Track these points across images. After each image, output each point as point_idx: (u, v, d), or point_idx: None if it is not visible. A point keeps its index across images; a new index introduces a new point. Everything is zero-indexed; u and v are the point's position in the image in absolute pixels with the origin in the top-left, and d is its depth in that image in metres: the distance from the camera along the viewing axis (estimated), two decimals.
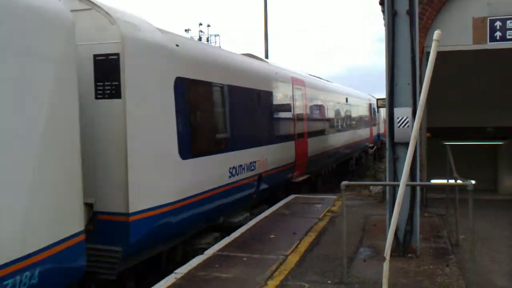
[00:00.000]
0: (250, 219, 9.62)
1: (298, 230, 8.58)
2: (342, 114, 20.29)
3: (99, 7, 6.38)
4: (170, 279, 6.21)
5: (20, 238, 4.47)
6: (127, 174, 6.22)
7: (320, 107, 16.53)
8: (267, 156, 10.99)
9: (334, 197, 12.20)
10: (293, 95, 13.39)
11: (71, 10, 5.51)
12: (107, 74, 6.33)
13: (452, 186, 8.17)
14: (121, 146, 6.27)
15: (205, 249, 7.64)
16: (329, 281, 6.02)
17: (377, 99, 23.69)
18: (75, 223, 5.32)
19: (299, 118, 13.68)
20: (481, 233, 7.75)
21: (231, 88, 9.46)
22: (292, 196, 12.41)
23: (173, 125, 7.32)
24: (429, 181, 10.29)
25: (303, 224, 9.14)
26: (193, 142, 7.94)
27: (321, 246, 7.65)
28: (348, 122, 21.26)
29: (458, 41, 9.71)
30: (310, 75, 17.48)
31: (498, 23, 9.53)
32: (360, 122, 24.71)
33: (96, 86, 6.36)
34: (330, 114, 18.04)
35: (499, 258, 6.81)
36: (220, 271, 6.47)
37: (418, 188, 7.02)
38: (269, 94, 11.67)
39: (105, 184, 6.31)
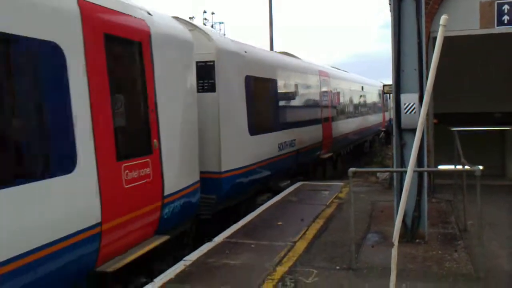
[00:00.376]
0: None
1: (306, 217, 8.62)
2: (359, 100, 22.47)
3: (200, 28, 9.29)
4: (180, 266, 6.27)
5: (186, 176, 7.42)
6: (220, 145, 8.97)
7: (341, 95, 18.74)
8: (302, 136, 13.46)
9: (341, 183, 12.22)
10: (320, 86, 15.77)
11: None
12: (205, 75, 8.95)
13: (459, 172, 8.15)
14: (215, 126, 8.97)
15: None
16: (337, 267, 6.06)
17: (384, 85, 24.09)
18: (197, 175, 7.90)
19: (324, 105, 16.04)
20: (489, 218, 7.74)
21: (279, 82, 12.24)
22: (299, 183, 12.44)
23: (244, 110, 10.01)
24: (437, 167, 10.28)
25: (310, 210, 9.18)
26: (256, 123, 10.44)
27: (329, 232, 7.69)
28: (363, 108, 23.44)
29: (465, 26, 9.63)
30: (332, 67, 20.12)
31: (506, 7, 9.43)
32: (374, 108, 26.84)
33: (198, 83, 8.52)
34: (349, 101, 20.32)
35: (507, 243, 6.81)
36: (229, 258, 6.53)
37: (425, 174, 7.02)
38: (304, 86, 14.30)
39: (206, 152, 8.69)
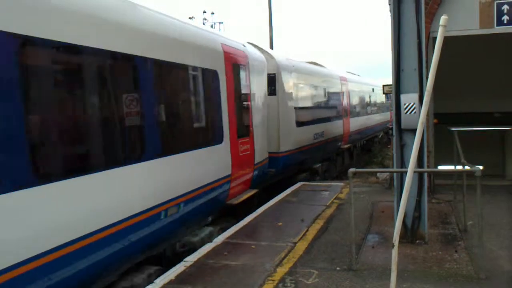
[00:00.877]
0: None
1: (306, 218, 8.61)
2: (370, 100, 25.89)
3: (265, 50, 12.67)
4: (180, 267, 6.27)
5: (263, 152, 10.65)
6: (279, 133, 12.37)
7: (356, 96, 22.22)
8: (329, 129, 16.60)
9: (342, 184, 12.22)
10: (341, 88, 19.19)
11: None
12: (270, 83, 12.15)
13: (459, 172, 8.15)
14: (276, 119, 12.31)
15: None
16: (337, 268, 6.05)
17: (383, 85, 24.45)
18: (266, 153, 11.16)
19: (344, 105, 19.45)
20: (489, 218, 7.74)
21: (314, 87, 15.91)
22: (299, 184, 12.44)
23: (293, 108, 13.38)
24: (437, 167, 10.27)
25: (311, 211, 9.17)
26: (300, 118, 13.79)
27: (329, 233, 7.69)
28: (373, 107, 26.80)
29: (464, 26, 9.63)
30: (348, 72, 23.42)
31: (505, 7, 9.43)
32: (382, 107, 29.93)
33: (267, 88, 11.88)
34: (362, 100, 23.76)
35: (508, 244, 6.80)
36: (229, 259, 6.52)
37: (425, 175, 7.01)
38: (330, 89, 17.69)
39: (269, 137, 11.68)
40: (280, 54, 13.87)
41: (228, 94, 8.83)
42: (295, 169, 13.76)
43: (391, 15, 7.00)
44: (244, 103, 9.89)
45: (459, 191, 8.29)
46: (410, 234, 6.91)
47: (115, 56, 5.83)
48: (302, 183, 12.65)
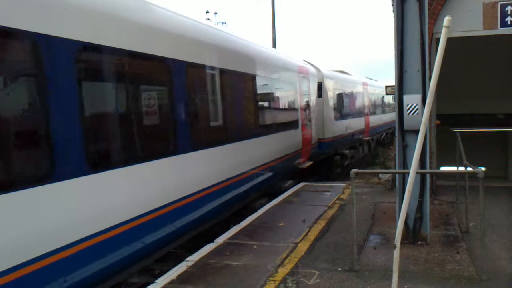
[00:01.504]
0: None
1: (307, 218, 8.61)
2: (382, 101, 30.22)
3: (314, 64, 16.58)
4: (182, 267, 6.28)
5: (315, 136, 15.67)
6: (324, 125, 16.36)
7: (373, 97, 26.88)
8: (355, 124, 20.96)
9: (343, 184, 12.22)
10: (363, 91, 23.75)
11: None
12: (319, 88, 16.21)
13: (462, 174, 8.13)
14: (321, 115, 16.24)
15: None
16: (339, 269, 6.05)
17: (386, 86, 24.82)
18: (317, 138, 15.82)
19: (365, 104, 24.08)
20: (492, 220, 7.74)
21: (348, 91, 20.30)
22: (301, 184, 12.44)
23: (333, 107, 17.44)
24: (439, 168, 10.25)
25: (312, 212, 9.17)
26: (336, 114, 17.91)
27: (331, 233, 7.68)
28: (386, 107, 31.36)
29: (468, 27, 9.60)
30: (367, 77, 28.30)
31: (509, 8, 9.39)
32: (393, 107, 34.30)
33: (317, 92, 16.11)
34: (378, 101, 28.71)
35: (510, 245, 6.79)
36: (230, 259, 6.52)
37: (427, 176, 7.00)
38: (357, 92, 22.34)
39: (318, 128, 16.03)
40: (323, 66, 17.99)
41: (299, 96, 14.00)
42: (333, 152, 17.75)
43: (394, 16, 6.99)
44: (307, 102, 14.78)
45: (462, 192, 8.27)
46: (412, 235, 6.90)
47: (252, 77, 10.48)
48: (304, 183, 12.65)
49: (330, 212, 9.12)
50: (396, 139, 7.03)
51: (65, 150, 4.97)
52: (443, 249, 6.68)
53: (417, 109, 6.73)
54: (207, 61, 8.24)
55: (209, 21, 18.72)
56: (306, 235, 7.59)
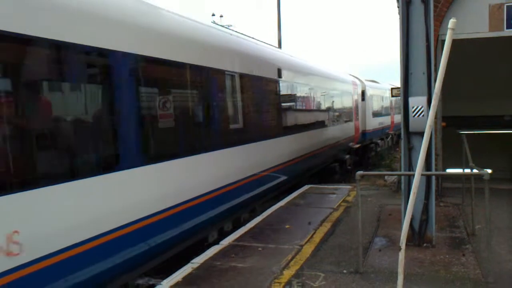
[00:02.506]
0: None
1: (313, 220, 8.61)
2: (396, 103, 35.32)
3: (356, 77, 22.67)
4: (187, 268, 6.29)
5: (361, 127, 21.92)
6: (365, 120, 22.31)
7: (395, 100, 30.41)
8: (384, 120, 26.96)
9: (349, 187, 12.21)
10: (388, 95, 25.54)
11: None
12: (362, 94, 22.18)
13: (468, 176, 8.11)
14: (364, 113, 22.48)
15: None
16: (344, 271, 6.05)
17: (392, 89, 26.10)
18: (361, 129, 21.94)
19: (390, 106, 29.69)
20: (498, 222, 7.71)
21: (378, 96, 25.75)
22: (306, 186, 12.43)
23: (372, 108, 23.48)
24: (445, 170, 10.22)
25: (318, 214, 9.16)
26: (374, 112, 23.93)
27: (336, 236, 7.68)
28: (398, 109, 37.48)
29: (474, 29, 9.57)
30: (390, 84, 31.64)
31: None
32: None
33: (361, 97, 22.02)
34: (398, 103, 32.88)
35: None
36: (236, 261, 6.53)
37: (433, 178, 6.98)
38: (385, 97, 27.46)
39: (362, 123, 21.96)
40: (364, 78, 23.89)
41: (353, 100, 20.33)
42: (369, 141, 22.96)
43: (399, 18, 6.99)
44: (357, 104, 21.02)
45: (467, 194, 8.25)
46: (418, 237, 6.89)
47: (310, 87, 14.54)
48: (309, 185, 12.64)
49: (336, 214, 9.12)
50: (402, 141, 7.03)
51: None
52: (448, 251, 6.66)
53: (422, 111, 6.72)
54: (315, 84, 14.87)
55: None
56: (311, 237, 7.59)
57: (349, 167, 18.50)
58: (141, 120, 6.14)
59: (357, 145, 20.40)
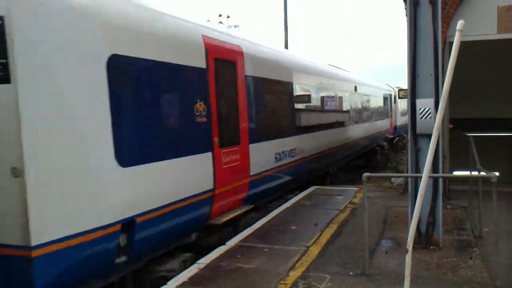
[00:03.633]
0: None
1: (319, 222, 8.60)
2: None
3: (389, 85, 29.15)
4: (193, 269, 6.30)
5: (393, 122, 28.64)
6: (395, 118, 29.23)
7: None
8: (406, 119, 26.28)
9: (355, 188, 12.17)
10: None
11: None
12: (394, 98, 28.81)
13: (475, 178, 8.07)
14: (395, 112, 29.67)
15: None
16: (350, 273, 6.03)
17: (399, 90, 28.32)
18: (393, 124, 29.19)
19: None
20: (505, 225, 7.65)
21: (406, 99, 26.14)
22: (312, 188, 12.41)
23: (399, 109, 30.13)
24: (452, 172, 10.17)
25: (324, 215, 9.15)
26: (401, 111, 30.37)
27: (342, 237, 7.66)
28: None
29: (482, 31, 9.53)
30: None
31: None
32: None
33: (394, 100, 28.57)
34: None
35: None
36: (242, 262, 6.53)
37: (440, 180, 6.96)
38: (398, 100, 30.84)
39: (394, 119, 29.02)
40: (394, 86, 29.01)
41: (390, 102, 26.91)
42: (398, 134, 28.76)
43: (407, 20, 6.97)
44: (391, 105, 26.40)
45: (475, 197, 8.20)
46: (424, 239, 6.87)
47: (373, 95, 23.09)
48: (315, 187, 12.62)
49: (342, 216, 9.10)
50: (409, 143, 7.00)
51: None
52: (455, 254, 6.63)
53: (429, 113, 6.70)
54: (372, 93, 22.30)
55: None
56: (317, 238, 7.58)
57: (386, 152, 24.82)
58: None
59: (391, 136, 27.51)
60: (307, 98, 12.74)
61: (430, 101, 6.72)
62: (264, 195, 9.87)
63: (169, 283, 5.89)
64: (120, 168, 5.53)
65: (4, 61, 4.55)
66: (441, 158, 6.93)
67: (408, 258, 4.15)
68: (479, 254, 6.59)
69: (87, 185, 5.16)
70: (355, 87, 18.84)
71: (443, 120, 7.25)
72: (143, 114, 6.02)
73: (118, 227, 5.48)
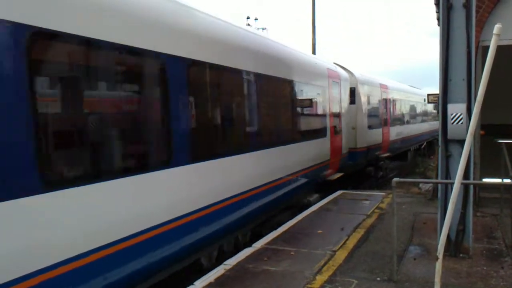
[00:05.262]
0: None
1: (346, 226, 8.54)
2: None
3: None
4: (220, 270, 6.33)
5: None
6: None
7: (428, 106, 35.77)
8: (430, 125, 30.39)
9: (383, 194, 12.06)
10: (423, 102, 29.63)
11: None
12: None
13: (508, 186, 7.90)
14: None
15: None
16: (378, 278, 5.98)
17: (428, 95, 26.78)
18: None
19: (425, 112, 31.91)
20: None
21: (415, 103, 27.09)
22: (339, 192, 12.34)
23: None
24: (481, 179, 9.99)
25: (351, 220, 9.08)
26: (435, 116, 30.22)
27: (369, 242, 7.59)
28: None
29: None
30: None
31: None
32: None
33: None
34: (432, 109, 36.35)
35: None
36: (268, 264, 6.54)
37: (471, 187, 6.83)
38: (417, 102, 28.39)
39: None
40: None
41: (425, 107, 29.75)
42: (434, 137, 27.64)
43: (440, 24, 6.87)
44: (426, 109, 29.83)
45: (506, 205, 8.03)
46: (454, 247, 6.74)
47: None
48: (342, 191, 12.54)
49: (369, 221, 9.02)
50: (439, 148, 6.90)
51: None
52: (486, 263, 6.50)
53: (461, 119, 6.59)
54: (414, 99, 26.44)
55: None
56: (344, 243, 7.53)
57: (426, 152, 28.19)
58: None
59: (431, 139, 29.46)
60: (411, 107, 25.05)
61: (462, 106, 6.61)
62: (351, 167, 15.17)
63: (195, 283, 5.93)
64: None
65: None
66: (473, 164, 6.80)
67: (439, 265, 4.10)
68: (511, 264, 6.44)
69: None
70: (424, 99, 26.64)
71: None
72: None
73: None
